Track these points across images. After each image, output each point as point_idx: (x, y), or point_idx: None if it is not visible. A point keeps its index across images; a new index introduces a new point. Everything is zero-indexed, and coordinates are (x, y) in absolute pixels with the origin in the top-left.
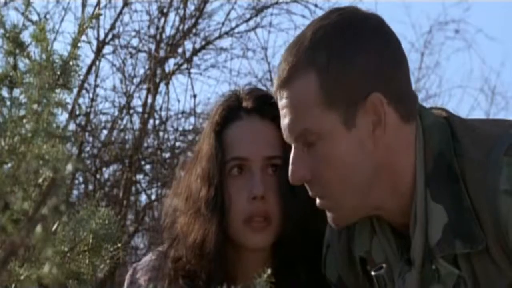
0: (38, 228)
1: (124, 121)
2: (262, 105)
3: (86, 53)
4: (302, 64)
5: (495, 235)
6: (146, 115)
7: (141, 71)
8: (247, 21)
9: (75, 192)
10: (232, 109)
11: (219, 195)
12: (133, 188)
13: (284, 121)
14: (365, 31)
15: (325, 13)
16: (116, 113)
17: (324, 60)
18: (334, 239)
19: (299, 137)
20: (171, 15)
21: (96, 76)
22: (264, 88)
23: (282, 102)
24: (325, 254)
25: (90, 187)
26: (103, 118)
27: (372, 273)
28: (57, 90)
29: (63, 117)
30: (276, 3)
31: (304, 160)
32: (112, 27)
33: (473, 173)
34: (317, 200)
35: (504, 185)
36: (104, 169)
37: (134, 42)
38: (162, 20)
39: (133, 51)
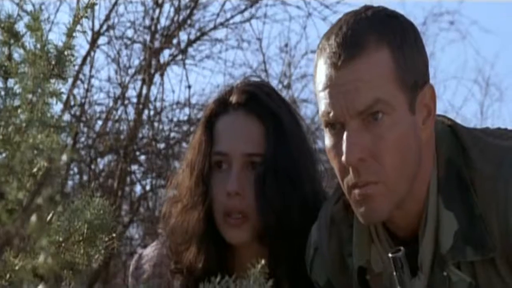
0: (33, 218)
1: (119, 112)
2: (249, 100)
3: (81, 44)
4: (373, 37)
5: (502, 247)
6: (141, 106)
7: (136, 62)
8: (242, 12)
9: (70, 182)
10: (222, 103)
11: (202, 186)
12: (128, 179)
13: (351, 93)
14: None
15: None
16: (111, 104)
17: (398, 39)
18: (323, 242)
19: (366, 109)
20: (166, 6)
21: (91, 66)
22: (258, 79)
23: (351, 74)
24: (312, 257)
25: (85, 177)
26: (98, 108)
27: (389, 255)
28: (52, 80)
29: (57, 107)
30: None
31: (363, 138)
32: (107, 18)
33: (483, 184)
34: (357, 190)
35: None
36: (98, 159)
37: (129, 33)
38: (157, 11)
39: (128, 42)
